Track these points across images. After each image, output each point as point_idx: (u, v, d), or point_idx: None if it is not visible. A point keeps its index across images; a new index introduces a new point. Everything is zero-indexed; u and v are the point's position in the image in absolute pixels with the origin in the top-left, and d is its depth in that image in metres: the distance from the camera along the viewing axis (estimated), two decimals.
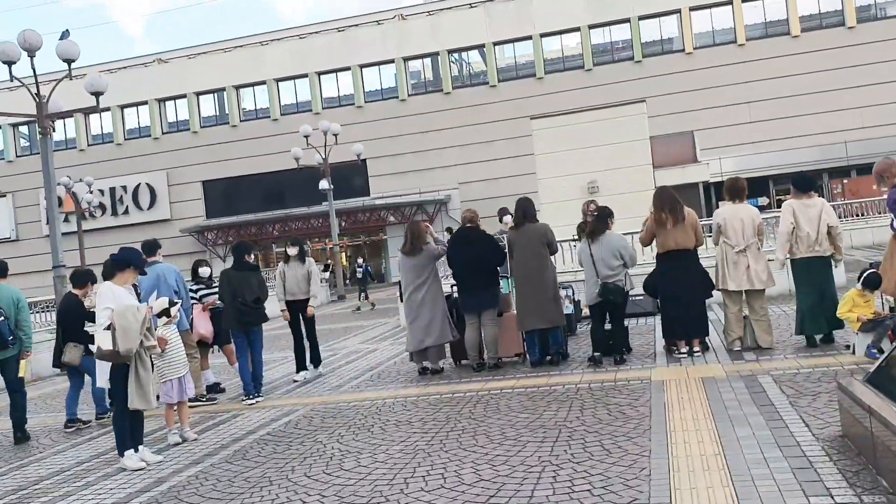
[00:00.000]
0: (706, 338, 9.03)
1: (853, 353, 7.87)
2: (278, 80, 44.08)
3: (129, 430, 6.67)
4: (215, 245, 43.13)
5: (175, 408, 7.52)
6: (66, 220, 41.87)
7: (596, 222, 9.07)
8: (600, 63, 40.53)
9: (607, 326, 9.05)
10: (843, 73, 36.71)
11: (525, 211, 9.32)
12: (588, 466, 5.19)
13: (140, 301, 8.40)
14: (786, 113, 37.19)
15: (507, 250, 9.45)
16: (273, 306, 10.92)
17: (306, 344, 10.63)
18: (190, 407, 9.12)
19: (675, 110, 37.20)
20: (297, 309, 10.72)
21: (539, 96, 39.14)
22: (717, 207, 10.07)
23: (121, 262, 6.78)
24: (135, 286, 9.41)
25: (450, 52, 42.30)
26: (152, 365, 7.28)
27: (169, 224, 44.17)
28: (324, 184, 29.49)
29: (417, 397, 8.23)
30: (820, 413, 5.88)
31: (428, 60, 43.24)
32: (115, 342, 6.29)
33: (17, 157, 47.41)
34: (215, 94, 45.27)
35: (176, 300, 7.83)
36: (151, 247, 9.54)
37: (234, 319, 9.16)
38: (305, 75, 43.48)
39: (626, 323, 10.50)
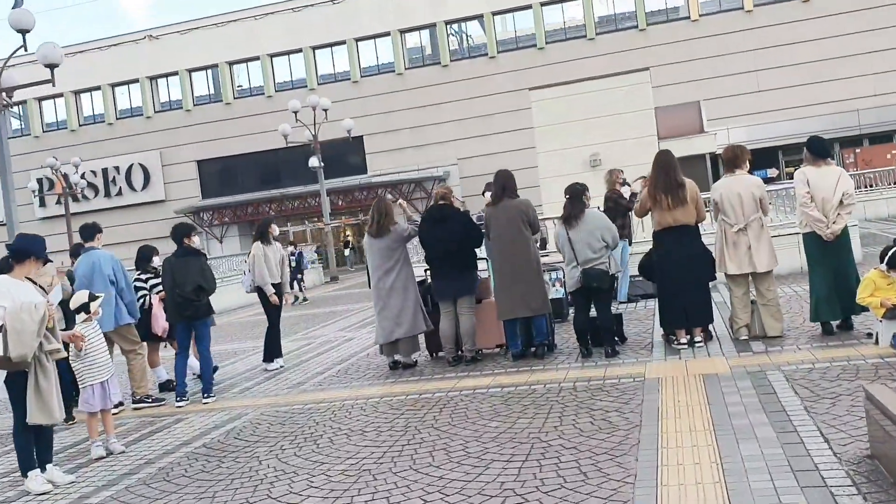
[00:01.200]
0: (710, 325, 8.03)
1: (876, 342, 6.85)
2: (272, 56, 42.85)
3: (34, 447, 5.73)
4: (211, 226, 42.18)
5: (99, 416, 6.58)
6: (57, 202, 41.12)
7: (571, 204, 8.01)
8: (603, 32, 39.21)
9: (593, 313, 8.08)
10: (854, 38, 35.28)
11: (504, 185, 8.30)
12: (558, 498, 4.22)
13: (74, 292, 7.49)
14: (795, 81, 35.84)
15: (484, 229, 8.44)
16: (229, 297, 9.91)
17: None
18: (134, 409, 8.24)
19: (681, 80, 35.88)
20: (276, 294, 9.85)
21: (540, 67, 37.84)
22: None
23: (18, 253, 5.79)
24: (70, 276, 8.54)
25: (448, 23, 40.97)
26: (66, 369, 6.36)
27: (163, 205, 43.22)
28: (314, 161, 28.43)
29: (380, 399, 7.27)
30: (841, 423, 4.89)
31: (426, 33, 41.94)
32: (6, 346, 5.33)
33: (8, 138, 46.32)
34: (208, 71, 44.08)
35: (99, 293, 6.84)
36: (90, 231, 8.58)
37: (173, 312, 8.20)
38: (300, 50, 42.25)
39: (617, 308, 9.54)
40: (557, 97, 27.98)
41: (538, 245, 8.91)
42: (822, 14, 36.14)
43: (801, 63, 35.84)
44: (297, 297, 21.88)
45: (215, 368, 9.63)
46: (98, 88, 44.81)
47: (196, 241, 9.22)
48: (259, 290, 9.77)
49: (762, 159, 30.85)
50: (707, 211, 8.80)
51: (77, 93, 45.25)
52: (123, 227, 42.29)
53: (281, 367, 9.85)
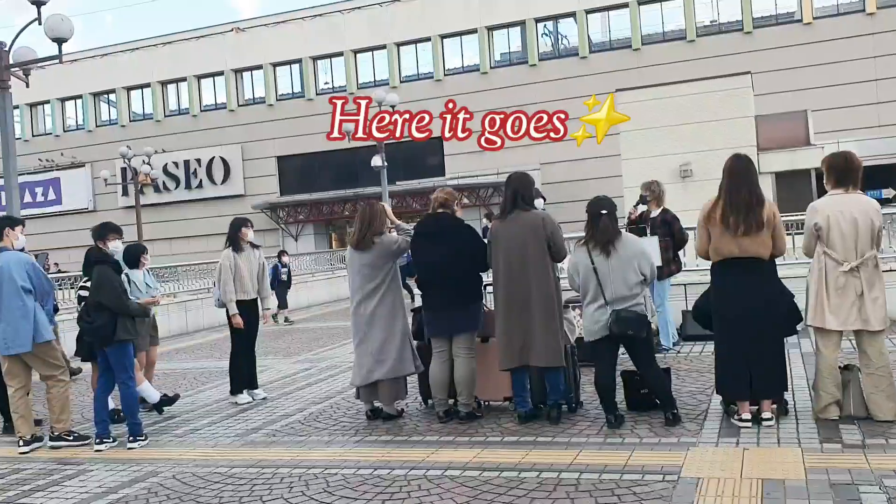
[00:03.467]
0: (783, 397, 5.90)
1: None
2: (356, 52, 41.81)
3: None
4: (287, 223, 41.41)
5: None
6: (141, 191, 41.14)
7: (608, 224, 5.99)
8: (704, 34, 36.42)
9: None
10: None
11: (517, 191, 6.38)
12: None
13: None
14: None
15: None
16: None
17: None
18: (51, 447, 6.71)
19: (788, 87, 32.77)
20: (247, 312, 8.21)
21: (634, 69, 35.40)
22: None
23: None
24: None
25: (538, 20, 38.96)
26: None
27: (242, 200, 42.68)
28: (376, 160, 26.89)
29: (322, 471, 5.44)
30: None
31: (515, 30, 40.01)
32: None
33: (96, 126, 46.90)
34: (291, 66, 43.34)
35: None
36: None
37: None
38: (384, 46, 41.02)
39: (665, 357, 7.51)
40: (647, 100, 25.65)
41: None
42: None
43: None
44: (276, 316, 16.37)
45: (176, 397, 8.10)
46: (184, 80, 44.74)
47: (249, 235, 8.27)
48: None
49: (875, 178, 27.58)
50: (789, 234, 6.65)
51: (164, 83, 45.33)
52: (203, 219, 42.04)
53: (257, 399, 8.19)
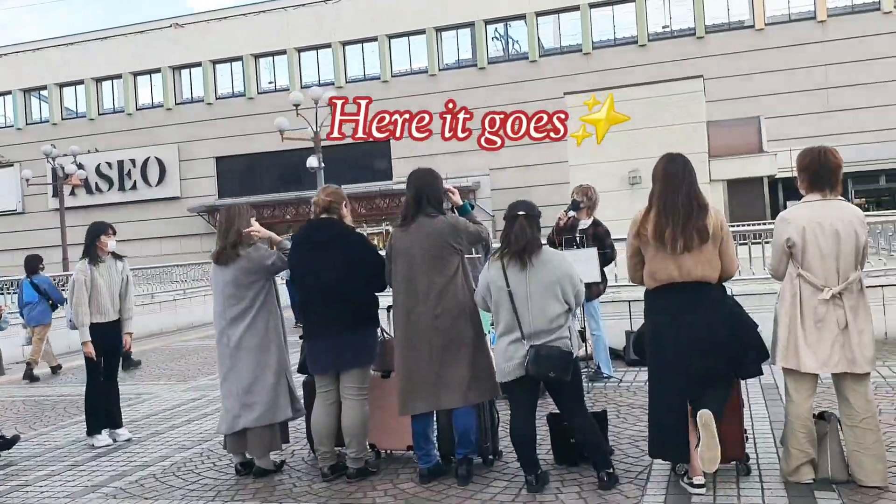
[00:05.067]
0: (744, 453, 4.72)
1: None
2: (300, 50, 40.28)
3: None
4: None
5: None
6: (72, 193, 39.02)
7: (524, 227, 4.74)
8: (656, 39, 35.72)
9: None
10: None
11: (420, 192, 5.12)
12: None
13: None
14: (871, 101, 31.87)
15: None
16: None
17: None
18: None
19: (740, 94, 32.20)
20: (107, 337, 6.82)
21: (584, 74, 34.52)
22: (786, 208, 5.78)
23: None
24: None
25: (487, 22, 37.89)
26: None
27: (178, 202, 40.82)
28: (312, 161, 25.43)
29: None
30: None
31: (465, 32, 38.89)
32: None
33: (26, 124, 44.55)
34: (232, 64, 41.61)
35: None
36: None
37: None
38: (329, 45, 39.58)
39: (593, 402, 6.37)
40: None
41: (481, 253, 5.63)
42: None
43: (879, 82, 31.90)
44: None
45: (15, 439, 6.67)
46: (119, 76, 42.71)
47: (109, 244, 6.91)
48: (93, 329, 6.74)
49: None
50: (744, 244, 5.45)
51: (98, 80, 43.24)
52: (136, 223, 40.07)
53: (119, 441, 6.82)
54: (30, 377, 10.99)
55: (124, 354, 8.10)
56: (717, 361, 4.41)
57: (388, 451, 5.71)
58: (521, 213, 4.77)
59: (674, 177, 4.52)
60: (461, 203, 5.35)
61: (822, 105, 32.59)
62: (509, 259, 4.73)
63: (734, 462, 4.70)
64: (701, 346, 4.39)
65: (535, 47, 37.13)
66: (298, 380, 5.84)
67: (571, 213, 7.71)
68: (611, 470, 4.72)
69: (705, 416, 4.27)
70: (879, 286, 9.35)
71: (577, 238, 7.62)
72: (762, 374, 4.78)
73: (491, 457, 5.32)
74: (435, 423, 5.31)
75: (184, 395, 9.00)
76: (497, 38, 39.47)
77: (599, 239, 7.71)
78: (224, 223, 5.42)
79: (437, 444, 5.26)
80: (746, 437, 4.81)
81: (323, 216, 5.30)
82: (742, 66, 33.16)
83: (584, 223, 7.93)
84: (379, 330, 5.47)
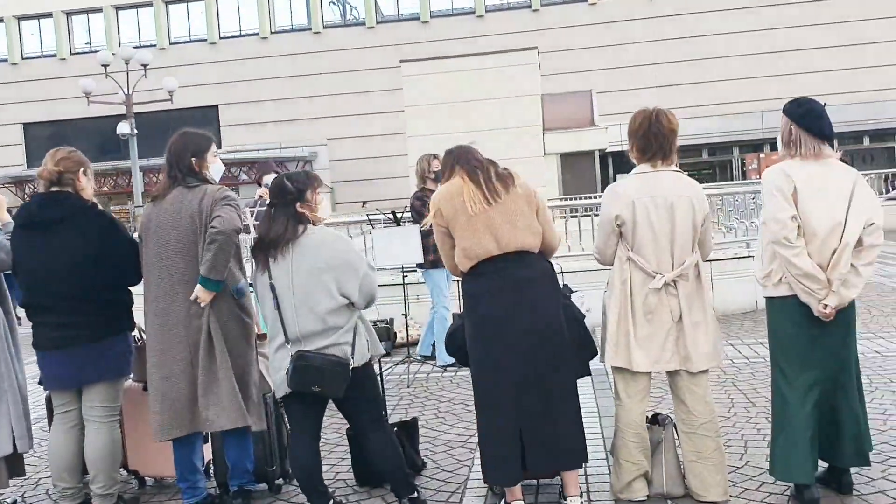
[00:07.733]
0: (580, 467, 4.04)
1: None
2: (118, 8, 37.20)
3: None
4: None
5: None
6: None
7: (275, 214, 3.78)
8: (493, 10, 35.50)
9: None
10: (763, 35, 32.83)
11: (179, 157, 4.07)
12: None
13: None
14: (698, 78, 33.14)
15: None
16: None
17: None
18: None
19: (574, 69, 32.53)
20: None
21: (422, 43, 33.77)
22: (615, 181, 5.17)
23: None
24: None
25: None
26: None
27: None
28: (123, 127, 23.26)
29: None
30: None
31: None
32: None
33: None
34: (41, 20, 37.87)
35: None
36: None
37: None
38: (150, 3, 36.73)
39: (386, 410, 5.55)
40: (432, 73, 23.94)
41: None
42: (731, 6, 33.48)
43: (705, 58, 33.23)
44: None
45: None
46: None
47: None
48: None
49: None
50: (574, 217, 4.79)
51: None
52: None
53: None
54: None
55: None
56: (549, 349, 3.68)
57: (158, 479, 4.67)
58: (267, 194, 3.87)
59: (461, 155, 3.90)
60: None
61: (651, 81, 33.49)
62: (267, 250, 3.77)
63: (558, 476, 4.01)
64: (529, 333, 3.66)
65: (372, 14, 35.99)
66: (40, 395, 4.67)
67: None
68: (415, 495, 3.91)
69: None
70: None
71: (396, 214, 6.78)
72: (590, 374, 4.12)
73: (279, 481, 4.40)
74: (206, 445, 4.33)
75: None
76: (333, 3, 38.05)
77: (417, 212, 6.89)
78: None
79: (208, 472, 4.29)
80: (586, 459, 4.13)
81: (53, 189, 4.15)
82: (576, 41, 33.53)
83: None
84: (136, 332, 4.40)
